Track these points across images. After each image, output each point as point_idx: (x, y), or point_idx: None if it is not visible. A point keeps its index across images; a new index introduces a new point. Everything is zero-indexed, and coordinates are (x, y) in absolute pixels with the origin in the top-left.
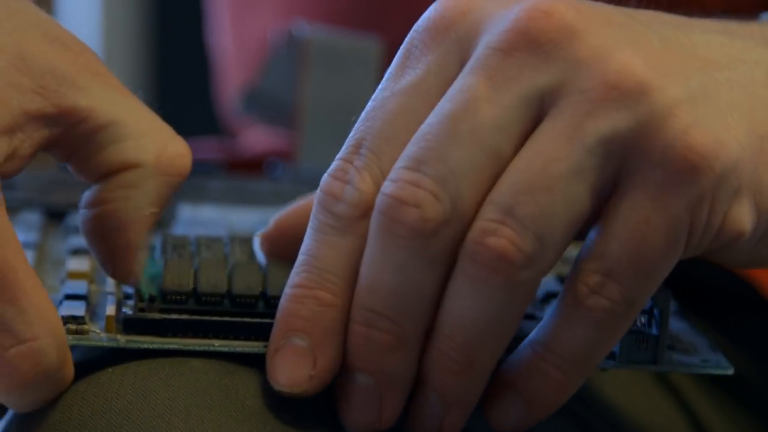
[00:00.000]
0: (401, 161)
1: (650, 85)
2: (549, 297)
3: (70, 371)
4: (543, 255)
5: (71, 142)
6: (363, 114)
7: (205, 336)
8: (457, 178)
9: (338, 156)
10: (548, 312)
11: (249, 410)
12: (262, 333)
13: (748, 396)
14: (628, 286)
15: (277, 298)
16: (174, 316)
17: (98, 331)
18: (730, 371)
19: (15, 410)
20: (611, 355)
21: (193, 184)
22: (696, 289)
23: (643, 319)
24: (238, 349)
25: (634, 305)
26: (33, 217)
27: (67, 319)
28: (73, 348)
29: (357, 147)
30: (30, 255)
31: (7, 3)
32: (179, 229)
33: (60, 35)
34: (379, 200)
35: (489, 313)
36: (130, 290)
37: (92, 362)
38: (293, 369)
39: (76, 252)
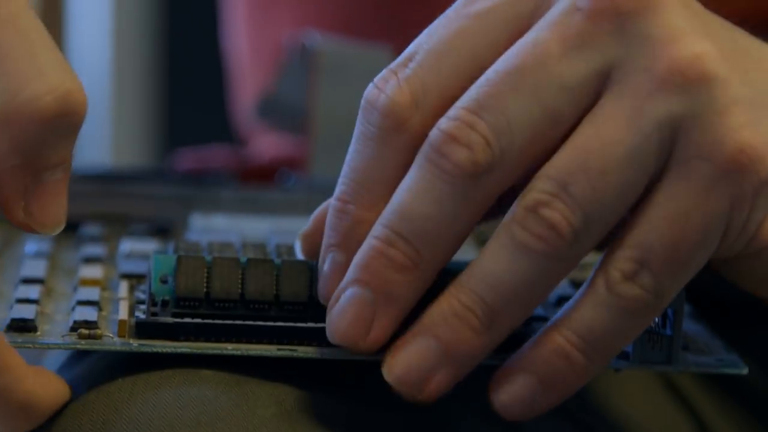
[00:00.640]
0: (462, 101)
1: (715, 77)
2: (561, 300)
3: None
4: (588, 235)
5: None
6: (425, 30)
7: (218, 340)
8: (512, 131)
9: (389, 65)
10: (574, 297)
11: (260, 420)
12: (275, 336)
13: (754, 402)
14: (660, 277)
15: (290, 303)
16: (187, 320)
17: (111, 335)
18: (745, 371)
19: None
20: (625, 356)
21: (205, 194)
22: (704, 298)
23: (657, 320)
24: (251, 352)
25: (663, 297)
26: None
27: (80, 324)
28: (82, 357)
29: (408, 59)
30: (42, 264)
31: None
32: (191, 239)
33: None
34: (433, 133)
35: (523, 278)
36: (142, 295)
37: (102, 372)
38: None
39: (89, 260)
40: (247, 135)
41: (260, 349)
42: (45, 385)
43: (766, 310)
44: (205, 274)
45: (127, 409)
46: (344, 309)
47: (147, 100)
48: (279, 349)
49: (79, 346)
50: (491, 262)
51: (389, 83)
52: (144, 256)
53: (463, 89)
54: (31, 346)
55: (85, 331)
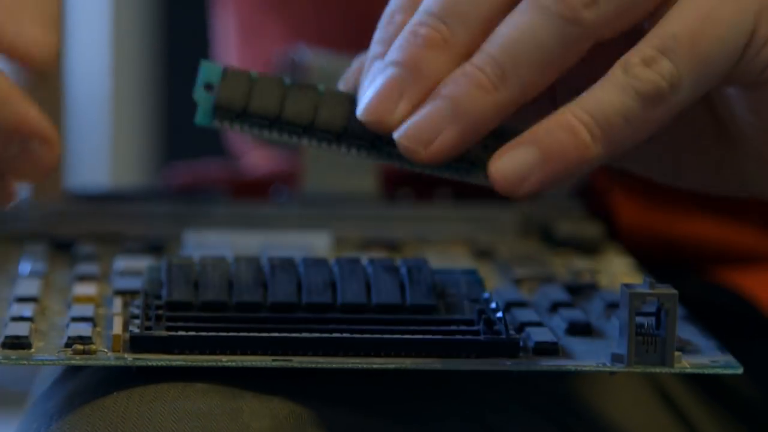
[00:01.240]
0: None
1: None
2: (556, 305)
3: None
4: (609, 3)
5: None
6: None
7: (213, 352)
8: None
9: None
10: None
11: None
12: (270, 347)
13: (746, 410)
14: (679, 67)
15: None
16: (180, 333)
17: (105, 350)
18: (740, 370)
19: None
20: (620, 358)
21: (199, 211)
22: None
23: (650, 321)
24: (246, 364)
25: (679, 89)
26: (39, 248)
27: (75, 340)
28: (77, 372)
29: None
30: (36, 283)
31: None
32: (185, 254)
33: None
34: None
35: (535, 37)
36: (136, 310)
37: (97, 387)
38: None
39: (83, 278)
40: (240, 151)
41: (255, 360)
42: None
43: (758, 320)
44: (248, 89)
45: (123, 424)
46: (374, 85)
47: (144, 116)
48: (274, 360)
49: (73, 362)
50: (504, 26)
51: None
52: (137, 273)
53: None
54: (25, 363)
55: (79, 347)
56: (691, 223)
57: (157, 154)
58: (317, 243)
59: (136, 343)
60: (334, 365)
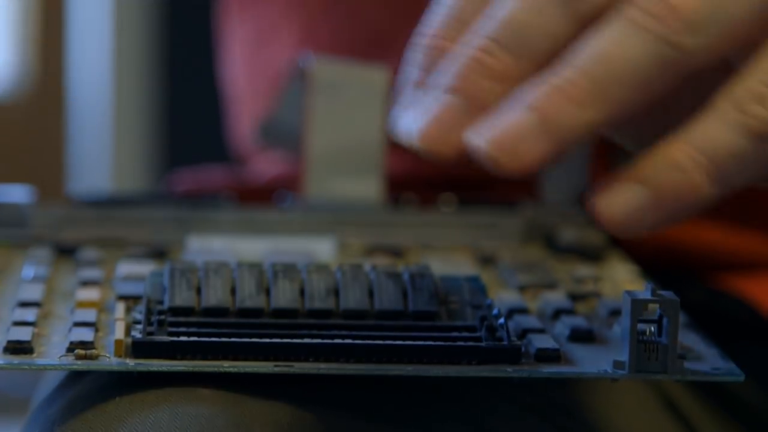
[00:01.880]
0: None
1: None
2: (558, 313)
3: None
4: (709, 31)
5: None
6: None
7: (215, 357)
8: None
9: None
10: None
11: None
12: (272, 353)
13: (749, 416)
14: None
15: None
16: (183, 339)
17: (108, 355)
18: (742, 378)
19: None
20: (622, 365)
21: (202, 216)
22: (701, 316)
23: (652, 328)
24: (248, 369)
25: None
26: (43, 253)
27: (77, 345)
28: (79, 377)
29: None
30: (39, 288)
31: None
32: (187, 259)
33: None
34: None
35: (632, 57)
36: (139, 315)
37: (99, 392)
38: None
39: (86, 283)
40: (246, 157)
41: (257, 366)
42: None
43: (761, 326)
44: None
45: (125, 429)
46: (429, 112)
47: (147, 122)
48: (276, 366)
49: (75, 367)
50: (600, 40)
51: None
52: (140, 278)
53: None
54: (27, 367)
55: (81, 352)
56: (694, 229)
57: (159, 160)
58: (321, 249)
59: (139, 349)
60: (335, 371)
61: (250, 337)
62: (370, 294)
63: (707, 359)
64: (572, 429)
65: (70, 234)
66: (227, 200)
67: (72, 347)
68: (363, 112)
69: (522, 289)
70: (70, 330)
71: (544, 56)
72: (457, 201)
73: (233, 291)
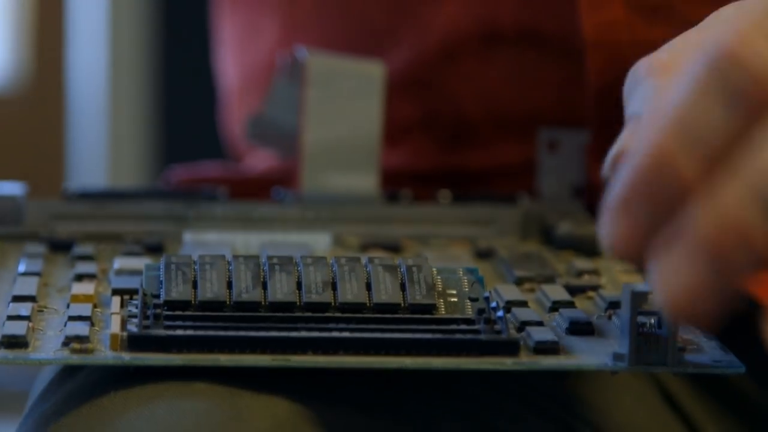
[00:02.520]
0: None
1: None
2: (556, 304)
3: None
4: None
5: None
6: None
7: (211, 351)
8: None
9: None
10: None
11: None
12: (268, 346)
13: (748, 411)
14: None
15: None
16: (179, 332)
17: (103, 349)
18: (742, 370)
19: None
20: (621, 358)
21: (198, 211)
22: None
23: (652, 321)
24: (245, 363)
25: None
26: (38, 249)
27: (72, 339)
28: (74, 372)
29: None
30: (34, 282)
31: None
32: (183, 253)
33: None
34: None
35: None
36: (134, 309)
37: (94, 386)
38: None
39: (81, 277)
40: (240, 155)
41: (254, 359)
42: None
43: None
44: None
45: (121, 423)
46: (680, 277)
47: (144, 118)
48: (273, 359)
49: (70, 361)
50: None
51: (760, 43)
52: (136, 272)
53: None
54: (22, 362)
55: (77, 346)
56: None
57: (156, 156)
58: (317, 244)
59: (134, 343)
60: (333, 364)
61: (247, 331)
62: (368, 287)
63: (707, 351)
64: (571, 422)
65: (65, 228)
66: (223, 194)
67: (67, 341)
68: (359, 106)
69: (520, 282)
70: (65, 324)
71: (714, 159)
72: (453, 196)
73: (229, 284)
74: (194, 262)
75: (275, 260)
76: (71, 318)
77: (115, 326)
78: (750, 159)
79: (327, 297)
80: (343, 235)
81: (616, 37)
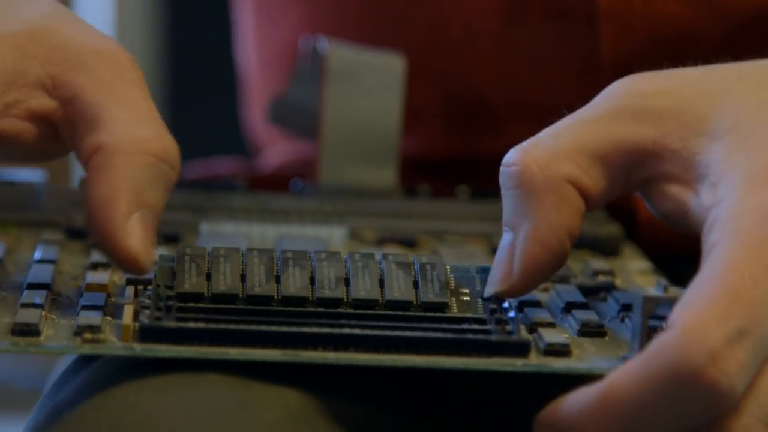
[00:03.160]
0: None
1: None
2: (569, 306)
3: None
4: None
5: (66, 121)
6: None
7: (222, 344)
8: None
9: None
10: None
11: (266, 423)
12: (280, 341)
13: None
14: None
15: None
16: (191, 325)
17: (114, 340)
18: None
19: None
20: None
21: (215, 202)
22: None
23: (663, 325)
24: (255, 357)
25: None
26: (54, 236)
27: (84, 329)
28: (88, 361)
29: (741, 334)
30: (49, 269)
31: (58, 5)
32: (200, 245)
33: (98, 33)
34: None
35: None
36: (147, 300)
37: (108, 376)
38: None
39: (96, 266)
40: (260, 143)
41: (265, 354)
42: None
43: None
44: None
45: (133, 413)
46: None
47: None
48: (283, 354)
49: (82, 351)
50: None
51: (730, 363)
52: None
53: None
54: (34, 350)
55: (88, 336)
56: None
57: None
58: (333, 238)
59: (146, 334)
60: (343, 361)
61: (259, 325)
62: (381, 283)
63: None
64: None
65: (82, 216)
66: (241, 186)
67: (79, 331)
68: (378, 99)
69: None
70: (78, 313)
71: None
72: (471, 191)
73: (243, 277)
74: (208, 255)
75: (289, 254)
76: (84, 307)
77: (127, 317)
78: None
79: (339, 293)
80: (359, 229)
81: (630, 8)
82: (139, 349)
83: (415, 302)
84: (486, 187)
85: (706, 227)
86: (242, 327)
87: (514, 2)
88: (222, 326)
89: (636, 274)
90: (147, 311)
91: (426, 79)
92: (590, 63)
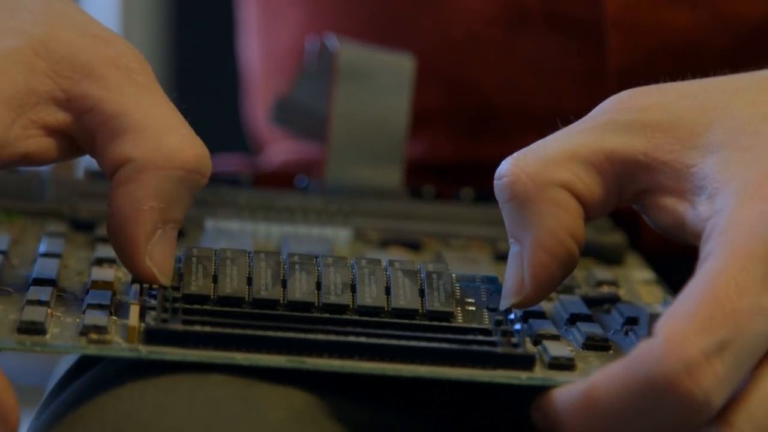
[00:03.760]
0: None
1: None
2: (573, 317)
3: None
4: None
5: (84, 132)
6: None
7: (228, 349)
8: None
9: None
10: None
11: (271, 424)
12: (285, 346)
13: None
14: None
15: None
16: (197, 328)
17: (120, 341)
18: None
19: None
20: None
21: (220, 195)
22: None
23: None
24: (261, 363)
25: None
26: (59, 227)
27: (90, 329)
28: (93, 360)
29: (722, 347)
30: (55, 264)
31: (50, 2)
32: (205, 242)
33: (98, 31)
34: None
35: None
36: (153, 300)
37: (113, 376)
38: None
39: (101, 262)
40: (263, 141)
41: (269, 359)
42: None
43: None
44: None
45: (138, 413)
46: None
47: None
48: (288, 361)
49: (87, 351)
50: None
51: (706, 376)
52: None
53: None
54: (39, 350)
55: (94, 336)
56: None
57: None
58: (338, 238)
59: (152, 336)
60: (347, 369)
61: (265, 330)
62: (387, 291)
63: None
64: None
65: (88, 207)
66: (246, 181)
67: (85, 331)
68: (387, 99)
69: None
70: (84, 312)
71: None
72: (476, 194)
73: (249, 280)
74: (215, 256)
75: (296, 258)
76: (90, 306)
77: (133, 318)
78: None
79: (345, 299)
80: (363, 229)
81: (637, 17)
82: (145, 351)
83: (420, 311)
84: (490, 190)
85: (703, 238)
86: (248, 332)
87: (514, 11)
88: (228, 330)
89: (639, 284)
90: (153, 312)
91: (431, 84)
92: (594, 71)
